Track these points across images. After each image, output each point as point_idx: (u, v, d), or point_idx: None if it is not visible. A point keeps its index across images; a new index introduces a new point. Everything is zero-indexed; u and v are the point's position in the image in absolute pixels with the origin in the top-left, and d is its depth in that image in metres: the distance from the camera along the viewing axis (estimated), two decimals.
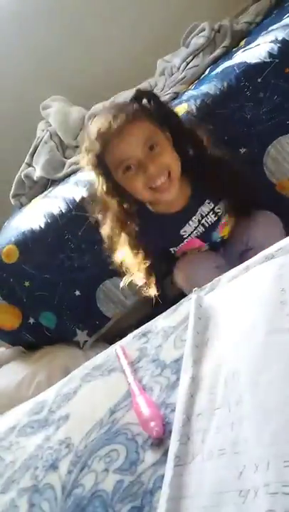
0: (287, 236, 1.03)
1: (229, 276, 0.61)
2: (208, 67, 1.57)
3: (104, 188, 0.98)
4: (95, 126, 0.93)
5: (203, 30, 1.65)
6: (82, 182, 1.40)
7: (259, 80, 1.23)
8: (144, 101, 0.96)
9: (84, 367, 0.65)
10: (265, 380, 0.41)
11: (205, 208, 1.06)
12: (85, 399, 0.58)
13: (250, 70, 1.25)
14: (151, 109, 0.96)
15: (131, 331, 0.66)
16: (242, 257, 1.06)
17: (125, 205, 0.99)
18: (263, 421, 0.38)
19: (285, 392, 0.39)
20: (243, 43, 1.57)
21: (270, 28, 1.39)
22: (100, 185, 0.99)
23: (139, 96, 0.96)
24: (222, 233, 1.11)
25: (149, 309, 1.24)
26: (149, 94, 0.97)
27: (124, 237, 1.02)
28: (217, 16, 1.70)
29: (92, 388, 0.59)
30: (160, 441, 0.45)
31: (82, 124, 1.62)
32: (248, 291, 0.53)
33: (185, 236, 1.07)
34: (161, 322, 0.62)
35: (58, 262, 1.38)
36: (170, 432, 0.44)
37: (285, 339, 0.44)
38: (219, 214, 1.07)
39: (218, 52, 1.57)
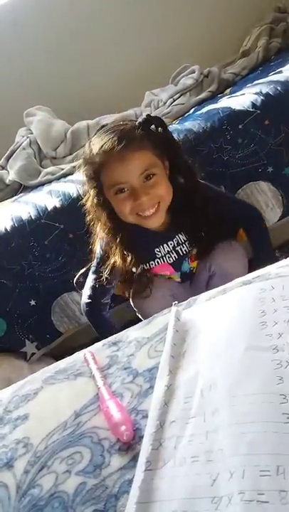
0: (247, 263, 1.08)
1: (206, 296, 0.62)
2: (193, 107, 1.66)
3: (95, 200, 0.99)
4: (99, 142, 0.93)
5: (192, 72, 1.74)
6: (56, 192, 1.40)
7: (240, 127, 1.32)
8: (152, 127, 0.96)
9: (45, 370, 0.63)
10: (242, 393, 0.42)
11: (181, 237, 1.08)
12: (47, 401, 0.56)
13: (233, 116, 1.33)
14: (156, 135, 0.95)
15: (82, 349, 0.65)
16: (208, 284, 1.08)
17: (113, 219, 1.01)
18: (240, 432, 0.39)
19: (261, 406, 0.40)
20: (228, 91, 1.68)
21: (255, 82, 1.50)
22: (92, 196, 1.00)
23: (147, 121, 0.95)
24: (192, 263, 1.12)
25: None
26: (158, 120, 0.97)
27: (115, 244, 1.04)
28: (206, 62, 1.81)
29: (55, 391, 0.57)
30: (128, 446, 0.44)
31: (63, 137, 1.63)
32: (227, 310, 0.54)
33: (158, 255, 1.08)
34: (133, 333, 0.62)
35: (18, 268, 1.35)
36: (140, 437, 0.44)
37: (262, 356, 0.45)
38: (193, 245, 1.09)
39: (204, 95, 1.65)
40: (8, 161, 1.61)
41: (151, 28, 1.93)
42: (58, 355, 1.37)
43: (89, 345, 0.65)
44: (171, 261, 1.09)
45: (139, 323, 0.65)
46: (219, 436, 0.40)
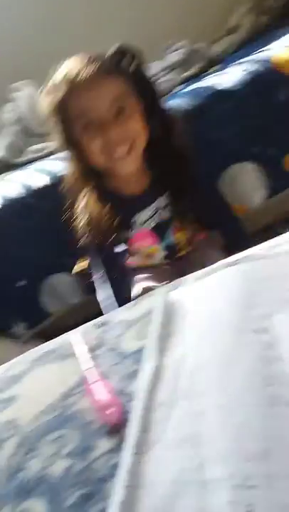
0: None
1: (193, 277, 0.61)
2: (180, 84, 1.62)
3: (63, 138, 0.88)
4: (63, 69, 0.83)
5: (180, 48, 1.69)
6: (43, 170, 1.37)
7: (225, 106, 1.29)
8: (125, 60, 0.85)
9: (33, 351, 0.63)
10: (230, 376, 0.42)
11: (162, 201, 0.97)
12: (34, 382, 0.55)
13: (219, 94, 1.31)
14: (130, 71, 0.85)
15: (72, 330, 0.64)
16: None
17: (84, 161, 0.89)
18: (227, 415, 0.39)
19: (249, 390, 0.40)
20: (215, 68, 1.64)
21: (241, 60, 1.47)
22: (58, 134, 0.88)
23: (121, 52, 0.85)
24: (176, 237, 1.02)
25: (93, 311, 1.22)
26: (133, 55, 0.85)
27: (88, 193, 0.94)
28: (193, 39, 1.76)
29: (43, 372, 0.56)
30: (116, 429, 0.44)
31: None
32: (215, 291, 0.54)
33: (137, 223, 0.97)
34: (121, 314, 0.61)
35: (4, 248, 1.33)
36: (127, 420, 0.44)
37: (251, 339, 0.45)
38: (175, 211, 0.99)
39: (191, 71, 1.61)
40: None
41: (137, 4, 1.87)
42: (48, 336, 1.37)
43: (79, 326, 0.64)
44: (151, 227, 0.98)
45: (127, 304, 0.64)
46: (207, 419, 0.40)
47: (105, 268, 1.02)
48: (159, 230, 0.99)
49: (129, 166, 0.88)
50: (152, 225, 0.98)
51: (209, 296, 0.54)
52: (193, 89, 1.41)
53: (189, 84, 1.53)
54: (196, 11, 1.88)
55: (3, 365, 0.64)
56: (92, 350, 0.56)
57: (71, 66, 0.83)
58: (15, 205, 1.30)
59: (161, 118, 0.91)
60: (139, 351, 0.52)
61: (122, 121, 0.83)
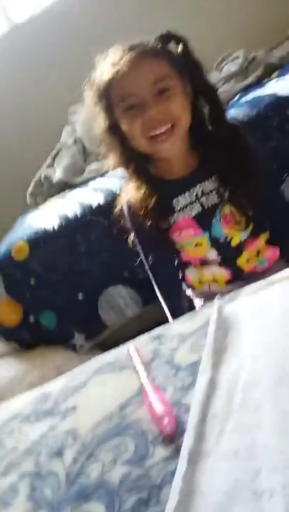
0: None
1: (250, 290, 0.61)
2: (238, 94, 1.62)
3: (105, 125, 0.88)
4: (108, 58, 0.84)
5: (237, 58, 1.70)
6: (101, 189, 1.43)
7: (288, 113, 1.28)
8: (172, 45, 0.85)
9: (92, 362, 0.65)
10: (284, 391, 0.42)
11: (209, 185, 0.91)
12: (94, 392, 0.58)
13: (280, 101, 1.30)
14: (176, 55, 0.84)
15: (129, 342, 0.66)
16: None
17: (125, 147, 0.88)
18: (282, 428, 0.39)
19: None
20: (275, 74, 1.63)
21: None
22: (102, 121, 0.88)
23: (167, 36, 0.85)
24: (226, 230, 0.92)
25: (149, 323, 1.24)
26: (180, 38, 0.86)
27: (130, 180, 0.94)
28: (251, 47, 1.76)
29: (102, 383, 0.59)
30: (171, 439, 0.45)
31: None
32: (271, 305, 0.54)
33: (177, 208, 0.91)
34: (176, 327, 0.63)
35: (65, 264, 1.39)
36: (182, 431, 0.45)
37: None
38: (222, 198, 0.90)
39: (249, 80, 1.61)
40: (54, 159, 1.66)
41: (193, 14, 1.90)
42: (106, 347, 1.41)
43: (136, 337, 0.66)
44: (194, 213, 0.91)
45: (182, 317, 0.66)
46: (262, 432, 0.40)
47: (163, 282, 1.02)
48: (204, 218, 0.92)
49: (169, 148, 0.86)
50: (195, 211, 0.91)
51: (265, 310, 0.54)
52: (253, 98, 1.41)
53: (248, 93, 1.53)
54: (253, 19, 1.88)
55: (64, 376, 0.67)
56: (148, 362, 0.57)
57: (115, 51, 0.84)
58: (73, 223, 1.36)
59: (211, 98, 0.89)
60: (194, 364, 0.53)
61: (163, 101, 0.82)
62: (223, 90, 1.63)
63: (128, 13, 1.88)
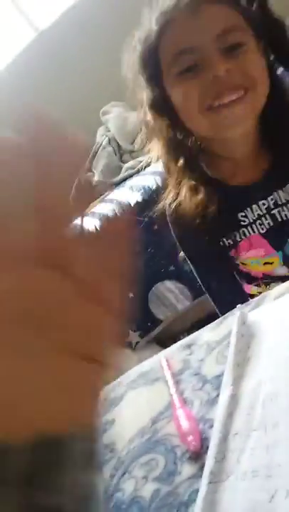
0: None
1: (276, 293, 0.60)
2: None
3: (150, 98, 0.66)
4: (156, 5, 0.63)
5: None
6: (137, 187, 1.44)
7: None
8: (243, 1, 0.63)
9: (130, 373, 0.68)
10: None
11: (284, 195, 0.70)
12: (129, 406, 0.60)
13: None
14: (250, 9, 0.62)
15: (183, 334, 0.67)
16: None
17: (176, 133, 0.67)
18: None
19: None
20: None
21: None
22: (145, 97, 0.68)
23: None
24: None
25: (202, 314, 1.25)
26: None
27: (180, 178, 0.71)
28: None
29: (136, 396, 0.61)
30: (197, 456, 0.46)
31: (139, 128, 1.66)
32: None
33: (244, 223, 0.72)
34: (206, 335, 0.63)
35: None
36: (207, 447, 0.46)
37: None
38: None
39: None
40: (91, 162, 1.69)
41: None
42: (163, 341, 1.44)
43: (190, 330, 0.65)
44: (264, 230, 0.72)
45: (212, 322, 0.66)
46: (279, 450, 0.40)
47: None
48: (275, 235, 0.73)
49: (239, 122, 0.63)
50: (264, 229, 0.73)
51: (287, 318, 0.53)
52: None
53: None
54: None
55: (107, 386, 0.70)
56: (177, 373, 0.59)
57: (166, 1, 0.62)
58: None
59: None
60: (218, 377, 0.53)
61: (235, 58, 0.60)
62: None
63: None
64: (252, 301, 0.62)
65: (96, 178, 1.63)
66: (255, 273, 0.78)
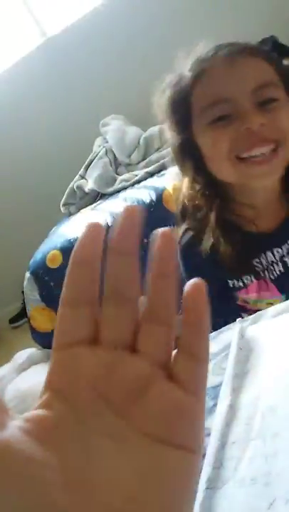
0: None
1: (274, 311, 0.62)
2: None
3: (179, 140, 0.68)
4: (194, 53, 0.65)
5: None
6: (131, 199, 1.46)
7: None
8: (277, 52, 0.68)
9: None
10: None
11: None
12: None
13: None
14: (282, 65, 0.66)
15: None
16: None
17: (202, 173, 0.68)
18: None
19: None
20: None
21: None
22: (175, 136, 0.69)
23: (273, 42, 0.72)
24: None
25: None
26: (287, 48, 0.70)
27: (205, 215, 0.70)
28: None
29: None
30: None
31: (137, 143, 1.69)
32: None
33: (257, 268, 0.73)
34: None
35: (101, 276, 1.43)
36: (203, 455, 0.46)
37: None
38: None
39: None
40: (86, 170, 1.70)
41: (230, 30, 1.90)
42: None
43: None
44: (274, 277, 0.73)
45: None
46: (278, 460, 0.41)
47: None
48: (284, 281, 0.73)
49: (268, 175, 0.65)
50: (274, 275, 0.73)
51: (286, 334, 0.55)
52: None
53: None
54: None
55: None
56: None
57: (204, 48, 0.65)
58: (105, 234, 1.40)
59: None
60: (216, 387, 0.54)
61: (268, 112, 0.61)
62: None
63: (162, 24, 1.90)
64: (249, 318, 0.63)
65: (89, 186, 1.64)
66: (253, 307, 0.78)
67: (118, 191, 1.59)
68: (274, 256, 0.72)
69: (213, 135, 0.64)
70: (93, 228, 0.21)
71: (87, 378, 0.20)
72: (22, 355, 1.54)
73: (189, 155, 0.68)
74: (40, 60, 2.04)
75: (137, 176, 1.56)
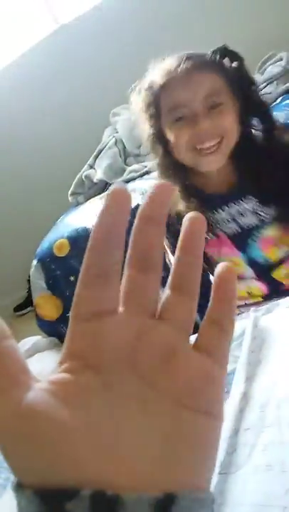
0: None
1: (287, 302, 0.62)
2: (281, 96, 1.60)
3: (151, 131, 0.87)
4: (163, 65, 0.83)
5: (280, 59, 1.67)
6: (139, 190, 1.45)
7: None
8: (226, 60, 0.84)
9: None
10: None
11: (247, 205, 0.88)
12: None
13: None
14: (230, 71, 0.83)
15: None
16: None
17: (169, 157, 0.87)
18: None
19: None
20: None
21: None
22: (148, 128, 0.87)
23: (222, 51, 0.84)
24: (266, 252, 0.89)
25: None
26: (236, 56, 0.85)
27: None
28: None
29: None
30: None
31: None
32: None
33: (215, 224, 0.90)
34: None
35: None
36: None
37: None
38: (263, 220, 0.87)
39: None
40: (96, 160, 1.69)
41: (236, 15, 1.88)
42: None
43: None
44: (231, 233, 0.89)
45: None
46: None
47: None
48: (242, 240, 0.89)
49: (214, 163, 0.84)
50: (233, 232, 0.89)
51: None
52: None
53: None
54: None
55: None
56: None
57: (168, 62, 0.82)
58: None
59: (261, 113, 0.87)
60: (228, 374, 0.54)
61: (214, 115, 0.80)
62: (265, 92, 1.61)
63: (174, 15, 1.88)
64: (263, 308, 0.63)
65: (98, 176, 1.63)
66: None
67: (127, 182, 1.58)
68: (226, 213, 0.89)
69: (175, 131, 0.82)
70: (122, 195, 0.21)
71: (114, 346, 0.20)
72: (28, 342, 1.54)
73: (159, 142, 0.87)
74: (52, 47, 2.03)
75: (146, 166, 1.55)
